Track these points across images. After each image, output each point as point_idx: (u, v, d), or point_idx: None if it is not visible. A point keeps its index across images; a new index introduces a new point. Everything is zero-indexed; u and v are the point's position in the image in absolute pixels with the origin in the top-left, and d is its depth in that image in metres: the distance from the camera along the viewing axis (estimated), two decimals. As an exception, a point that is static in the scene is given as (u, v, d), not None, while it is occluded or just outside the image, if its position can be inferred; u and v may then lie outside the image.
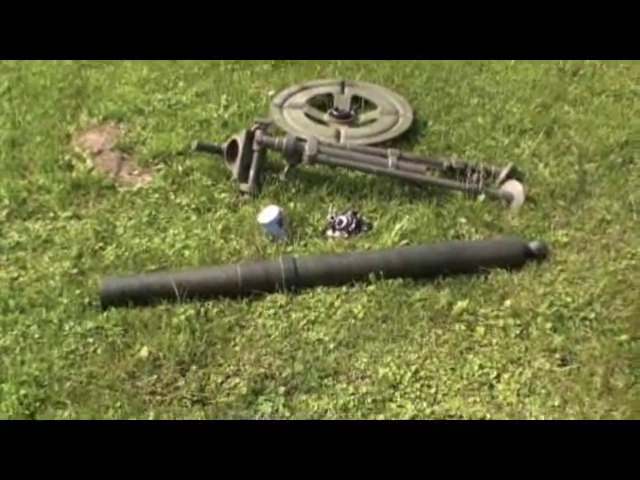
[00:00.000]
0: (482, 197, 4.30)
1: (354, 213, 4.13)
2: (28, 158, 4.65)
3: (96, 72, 5.73)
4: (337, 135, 4.82)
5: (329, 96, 5.29)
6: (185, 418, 3.10)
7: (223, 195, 4.34)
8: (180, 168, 4.55)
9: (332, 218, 4.11)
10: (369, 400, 3.19)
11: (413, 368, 3.34)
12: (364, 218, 4.16)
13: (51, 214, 4.21)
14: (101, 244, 4.00)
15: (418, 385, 3.27)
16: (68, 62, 5.82)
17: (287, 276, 3.65)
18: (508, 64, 5.88)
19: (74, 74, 5.67)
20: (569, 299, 3.69)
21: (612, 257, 3.99)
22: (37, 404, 3.14)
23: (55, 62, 5.83)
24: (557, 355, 3.42)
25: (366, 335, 3.48)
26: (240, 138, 4.41)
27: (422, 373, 3.33)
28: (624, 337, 3.49)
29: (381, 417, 3.13)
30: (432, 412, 3.16)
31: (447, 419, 3.14)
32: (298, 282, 3.68)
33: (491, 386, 3.29)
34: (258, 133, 4.39)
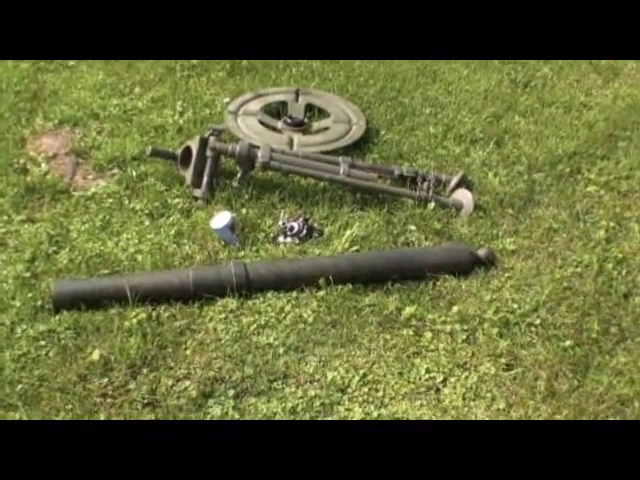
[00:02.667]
0: (432, 205, 4.36)
1: (305, 220, 4.17)
2: (-18, 161, 4.64)
3: (52, 76, 5.72)
4: (290, 143, 4.86)
5: (283, 104, 5.34)
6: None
7: (176, 200, 4.36)
8: (134, 173, 4.56)
9: (284, 224, 4.15)
10: (317, 403, 3.23)
11: (361, 372, 3.39)
12: (315, 225, 4.20)
13: (5, 217, 4.20)
14: (55, 248, 4.00)
15: (366, 389, 3.32)
16: (25, 65, 5.80)
17: (238, 281, 3.68)
18: (461, 74, 5.98)
19: (30, 78, 5.65)
20: (515, 305, 3.77)
21: (558, 265, 4.07)
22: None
23: (11, 65, 5.81)
24: (503, 360, 3.49)
25: (315, 340, 3.52)
26: (194, 144, 4.44)
27: (370, 377, 3.38)
28: (568, 343, 3.57)
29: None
30: (379, 415, 3.21)
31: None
32: (249, 287, 3.71)
33: (437, 390, 3.35)
34: (212, 139, 4.42)
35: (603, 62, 6.34)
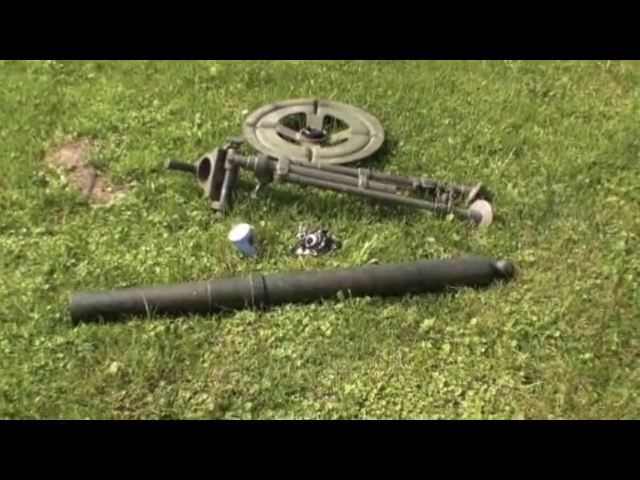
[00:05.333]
0: (451, 216, 4.35)
1: (324, 232, 4.17)
2: (2, 173, 4.66)
3: (72, 89, 5.75)
4: (309, 154, 4.86)
5: (302, 115, 5.34)
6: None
7: (195, 213, 4.37)
8: (153, 185, 4.57)
9: (302, 236, 4.15)
10: (335, 416, 3.22)
11: (379, 385, 3.37)
12: (333, 237, 4.20)
13: (24, 230, 4.22)
14: (73, 260, 4.01)
15: (384, 402, 3.30)
16: (44, 78, 5.86)
17: (256, 293, 3.68)
18: (480, 85, 5.97)
19: (50, 90, 5.69)
20: (534, 318, 3.74)
21: (578, 276, 4.04)
22: (6, 418, 3.14)
23: (31, 77, 5.86)
24: (521, 373, 3.46)
25: (333, 352, 3.52)
26: (212, 157, 4.45)
27: (388, 390, 3.36)
28: (588, 355, 3.54)
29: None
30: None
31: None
32: (267, 299, 3.71)
33: (456, 403, 3.32)
34: (230, 152, 4.42)
35: (623, 70, 6.33)
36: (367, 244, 4.11)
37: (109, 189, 4.65)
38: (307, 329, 3.63)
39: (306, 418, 3.21)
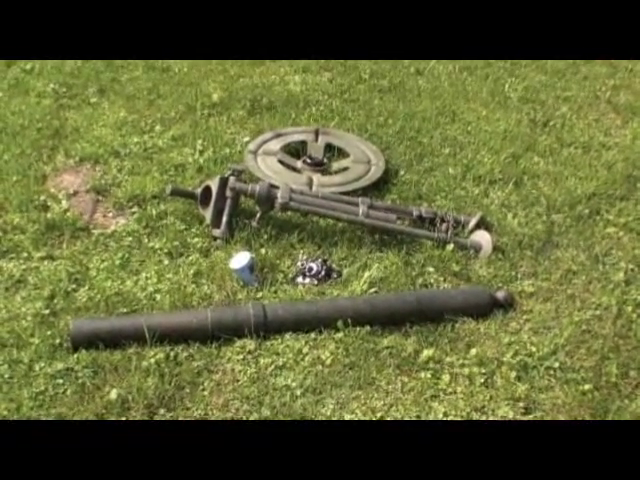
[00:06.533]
0: (451, 246, 4.36)
1: (324, 260, 4.18)
2: (4, 197, 4.66)
3: (74, 113, 5.78)
4: (309, 183, 4.88)
5: (303, 143, 5.35)
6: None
7: (196, 240, 4.38)
8: (154, 212, 4.58)
9: (302, 265, 4.16)
10: (334, 446, 3.22)
11: (379, 415, 3.37)
12: (334, 266, 4.21)
13: (25, 254, 4.22)
14: (74, 286, 4.01)
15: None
16: (47, 102, 5.88)
17: (256, 322, 3.68)
18: (480, 114, 5.99)
19: (52, 114, 5.71)
20: (534, 348, 3.75)
21: (577, 307, 4.05)
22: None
23: (34, 101, 5.88)
24: (521, 404, 3.46)
25: (333, 382, 3.51)
26: (214, 184, 4.46)
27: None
28: (587, 387, 3.54)
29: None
30: (396, 459, 3.20)
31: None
32: (267, 328, 3.71)
33: (455, 434, 3.33)
34: (232, 179, 4.44)
35: (622, 101, 6.37)
36: (367, 273, 4.11)
37: (110, 215, 4.66)
38: (307, 358, 3.63)
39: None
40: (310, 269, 4.12)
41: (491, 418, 3.39)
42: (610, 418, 3.40)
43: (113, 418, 3.28)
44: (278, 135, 5.42)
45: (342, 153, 5.33)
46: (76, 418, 3.26)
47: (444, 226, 4.51)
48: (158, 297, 3.95)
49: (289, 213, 4.53)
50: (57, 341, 3.64)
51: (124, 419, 3.28)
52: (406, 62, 6.81)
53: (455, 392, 3.52)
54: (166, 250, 4.29)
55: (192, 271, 4.13)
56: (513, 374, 3.60)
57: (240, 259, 4.06)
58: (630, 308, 4.04)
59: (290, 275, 4.16)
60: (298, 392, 3.46)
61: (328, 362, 3.60)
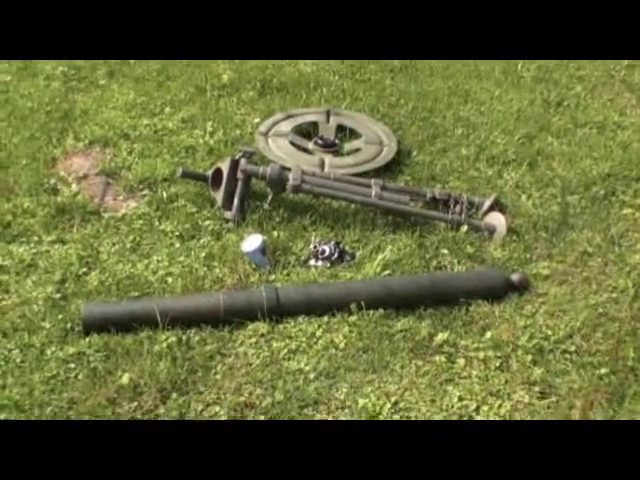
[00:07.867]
0: (465, 228, 4.32)
1: (337, 243, 4.14)
2: (13, 181, 4.64)
3: (83, 96, 5.75)
4: (321, 164, 4.84)
5: (314, 125, 5.33)
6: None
7: (207, 222, 4.35)
8: (165, 194, 4.56)
9: (315, 247, 4.12)
10: (348, 431, 3.19)
11: (393, 399, 3.34)
12: (347, 248, 4.18)
13: (35, 238, 4.20)
14: (85, 269, 3.99)
15: (397, 416, 3.26)
16: (56, 85, 5.86)
17: (269, 305, 3.65)
18: (493, 94, 5.94)
19: (61, 97, 5.69)
20: (549, 332, 3.71)
21: (593, 290, 4.00)
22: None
23: (43, 84, 5.86)
24: (536, 388, 3.43)
25: (347, 365, 3.48)
26: (225, 166, 4.43)
27: (402, 404, 3.32)
28: (604, 370, 3.50)
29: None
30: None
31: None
32: (280, 311, 3.68)
33: (470, 418, 3.29)
34: (242, 162, 4.41)
35: (637, 80, 6.30)
36: (380, 256, 4.08)
37: (121, 198, 4.63)
38: (320, 342, 3.60)
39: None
40: (323, 252, 4.09)
41: (506, 402, 3.35)
42: (627, 403, 3.35)
43: (125, 403, 3.26)
44: (289, 116, 5.37)
45: (354, 134, 5.29)
46: (88, 403, 3.23)
47: (458, 208, 4.46)
48: (170, 280, 3.93)
49: (301, 195, 4.49)
50: (68, 325, 3.62)
51: (135, 404, 3.26)
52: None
53: (470, 376, 3.49)
54: (177, 233, 4.27)
55: (204, 254, 4.11)
56: (529, 358, 3.56)
57: (252, 242, 4.03)
58: (646, 290, 4.00)
59: (302, 258, 4.13)
60: (311, 376, 3.43)
61: (342, 346, 3.57)
